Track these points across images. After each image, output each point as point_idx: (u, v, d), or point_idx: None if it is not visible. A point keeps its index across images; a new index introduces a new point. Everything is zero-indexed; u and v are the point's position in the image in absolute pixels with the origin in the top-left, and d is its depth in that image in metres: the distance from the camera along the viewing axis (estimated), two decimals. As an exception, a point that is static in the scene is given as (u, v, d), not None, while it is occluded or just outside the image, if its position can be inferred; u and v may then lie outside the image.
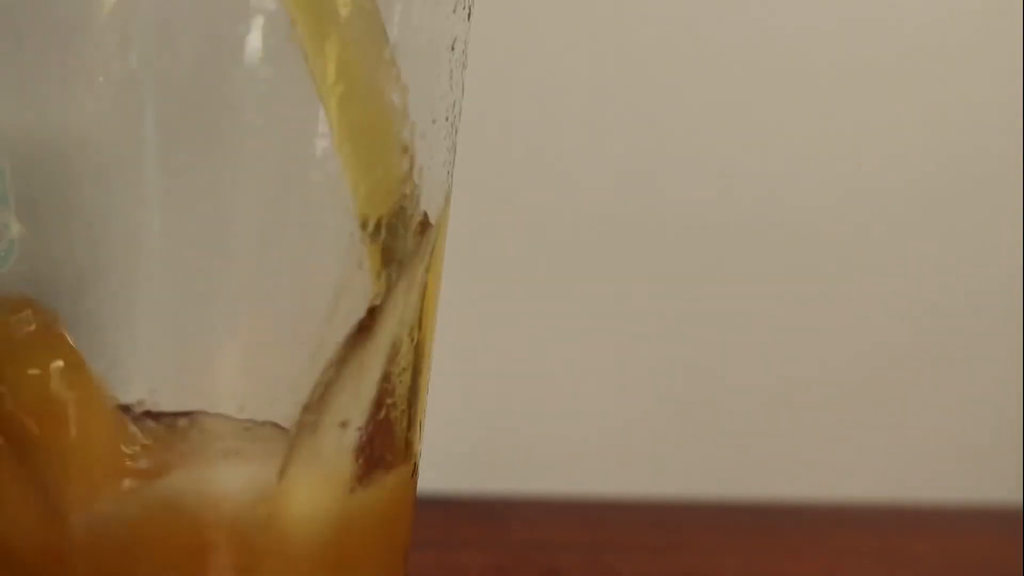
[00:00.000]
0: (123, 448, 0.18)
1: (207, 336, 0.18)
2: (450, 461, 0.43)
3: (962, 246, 0.46)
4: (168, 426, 0.18)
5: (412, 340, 0.20)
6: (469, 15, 0.22)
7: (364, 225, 0.19)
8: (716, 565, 0.37)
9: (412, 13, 0.20)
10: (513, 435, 0.44)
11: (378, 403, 0.19)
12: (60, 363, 0.18)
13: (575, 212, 0.43)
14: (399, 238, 0.19)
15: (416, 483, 0.22)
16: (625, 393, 0.44)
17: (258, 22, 0.17)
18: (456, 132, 0.23)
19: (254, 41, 0.17)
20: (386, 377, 0.19)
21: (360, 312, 0.19)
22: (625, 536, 0.39)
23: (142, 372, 0.18)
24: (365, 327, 0.19)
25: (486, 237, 0.43)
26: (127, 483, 0.18)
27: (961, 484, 0.45)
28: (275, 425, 0.18)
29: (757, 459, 0.45)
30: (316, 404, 0.18)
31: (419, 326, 0.20)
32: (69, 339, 0.18)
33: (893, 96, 0.44)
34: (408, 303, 0.20)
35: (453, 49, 0.21)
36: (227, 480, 0.18)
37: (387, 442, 0.20)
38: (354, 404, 0.19)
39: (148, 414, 0.18)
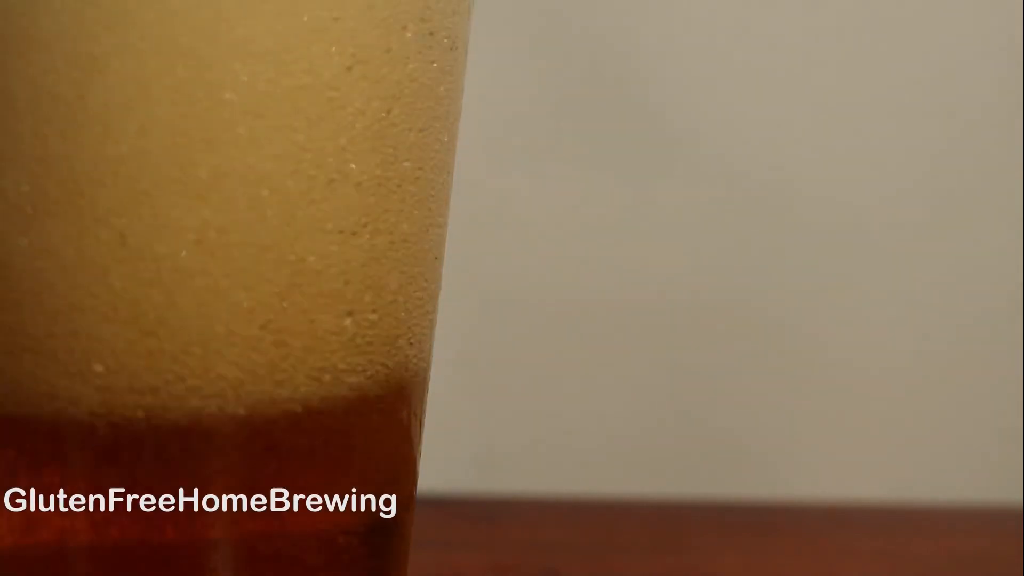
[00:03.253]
0: None
1: None
2: (450, 461, 0.43)
3: (962, 247, 0.46)
4: None
5: None
6: (469, 15, 0.22)
7: None
8: (716, 565, 0.37)
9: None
10: (513, 435, 0.44)
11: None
12: None
13: (571, 219, 0.43)
14: None
15: None
16: (625, 393, 0.44)
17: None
18: (456, 136, 0.23)
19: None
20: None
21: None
22: (625, 536, 0.39)
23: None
24: None
25: (486, 241, 0.43)
26: None
27: (961, 484, 0.45)
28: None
29: (757, 459, 0.45)
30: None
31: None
32: None
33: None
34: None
35: (454, 49, 0.21)
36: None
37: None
38: None
39: None
